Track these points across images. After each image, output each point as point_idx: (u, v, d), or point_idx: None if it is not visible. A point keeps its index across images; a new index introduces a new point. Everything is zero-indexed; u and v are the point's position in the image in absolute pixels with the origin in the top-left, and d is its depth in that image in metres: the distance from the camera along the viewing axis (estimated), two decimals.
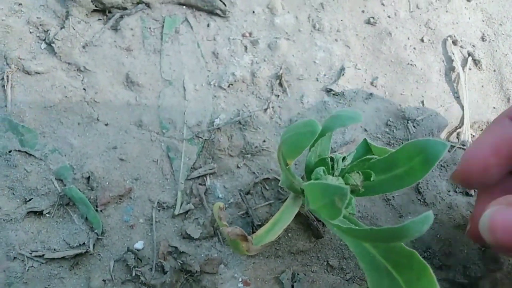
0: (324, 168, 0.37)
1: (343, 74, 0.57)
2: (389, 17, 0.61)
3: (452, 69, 0.59)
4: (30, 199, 0.50)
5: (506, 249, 0.31)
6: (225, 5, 0.59)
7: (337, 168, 0.38)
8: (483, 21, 0.62)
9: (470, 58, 0.59)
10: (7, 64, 0.54)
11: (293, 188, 0.44)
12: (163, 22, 0.59)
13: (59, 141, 0.53)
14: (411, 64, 0.58)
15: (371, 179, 0.36)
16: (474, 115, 0.57)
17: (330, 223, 0.35)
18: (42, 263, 0.48)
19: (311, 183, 0.32)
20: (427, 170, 0.32)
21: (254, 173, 0.53)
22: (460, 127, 0.56)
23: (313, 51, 0.59)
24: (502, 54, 0.60)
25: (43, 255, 0.48)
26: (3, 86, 0.54)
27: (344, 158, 0.39)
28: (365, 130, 0.55)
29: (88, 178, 0.51)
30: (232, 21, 0.60)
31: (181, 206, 0.51)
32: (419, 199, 0.53)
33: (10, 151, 0.52)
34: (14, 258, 0.48)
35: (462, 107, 0.57)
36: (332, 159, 0.38)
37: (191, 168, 0.53)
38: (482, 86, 0.59)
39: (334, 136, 0.54)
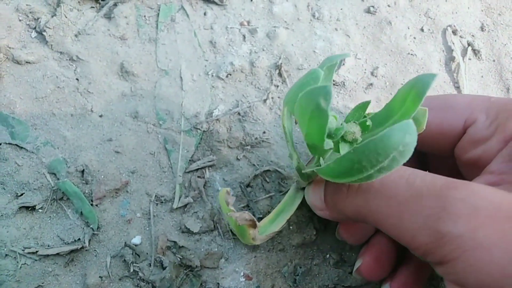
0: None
1: (343, 64, 0.56)
2: (389, 6, 0.60)
3: (452, 59, 0.58)
4: (21, 194, 0.48)
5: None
6: None
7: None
8: (482, 10, 0.62)
9: (469, 48, 0.59)
10: None
11: (298, 170, 0.42)
12: (158, 10, 0.57)
13: (52, 133, 0.51)
14: (411, 54, 0.58)
15: (368, 126, 0.34)
16: None
17: (319, 169, 0.33)
18: (36, 260, 0.47)
19: (300, 95, 0.30)
20: (419, 102, 0.31)
21: (254, 165, 0.52)
22: None
23: (312, 40, 0.57)
24: (501, 44, 0.60)
25: (37, 251, 0.46)
26: None
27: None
28: None
29: (83, 171, 0.50)
30: (229, 10, 0.58)
31: (179, 199, 0.50)
32: None
33: (0, 144, 0.49)
34: (6, 255, 0.46)
35: None
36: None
37: (190, 160, 0.51)
38: (482, 76, 0.58)
39: None
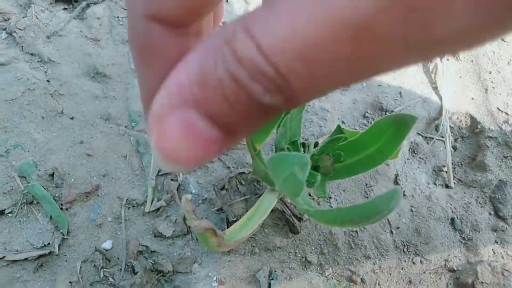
0: (289, 146, 0.35)
1: None
2: None
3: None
4: None
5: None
6: None
7: (308, 152, 0.36)
8: None
9: None
10: None
11: (265, 177, 0.42)
12: None
13: (22, 136, 0.50)
14: None
15: (341, 160, 0.35)
16: (453, 106, 0.56)
17: (301, 208, 0.34)
18: (3, 265, 0.45)
19: (273, 156, 0.30)
20: (398, 143, 0.31)
21: (228, 167, 0.51)
22: (438, 118, 0.55)
23: None
24: None
25: (4, 257, 0.45)
26: None
27: (316, 144, 0.37)
28: (343, 122, 0.54)
29: (53, 174, 0.48)
30: None
31: (152, 203, 0.49)
32: None
33: None
34: None
35: (440, 98, 0.56)
36: (304, 144, 0.37)
37: None
38: (460, 77, 0.58)
39: (312, 128, 0.53)
